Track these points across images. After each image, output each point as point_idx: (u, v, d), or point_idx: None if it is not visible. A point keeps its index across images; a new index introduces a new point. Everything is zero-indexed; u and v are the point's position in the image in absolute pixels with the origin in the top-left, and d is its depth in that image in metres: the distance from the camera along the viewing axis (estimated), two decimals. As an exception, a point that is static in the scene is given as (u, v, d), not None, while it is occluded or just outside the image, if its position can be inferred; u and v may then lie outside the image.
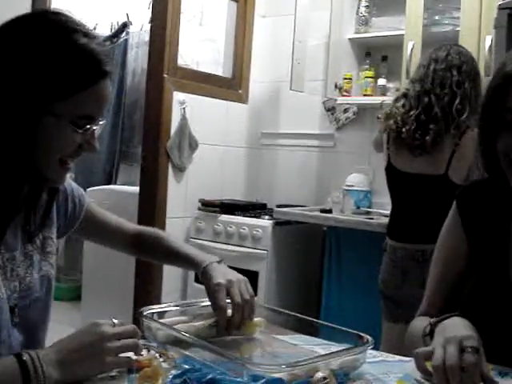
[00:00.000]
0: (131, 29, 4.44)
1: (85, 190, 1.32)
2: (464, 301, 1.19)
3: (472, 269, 1.21)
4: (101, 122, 1.02)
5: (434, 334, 1.05)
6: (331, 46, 3.32)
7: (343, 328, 1.13)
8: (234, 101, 3.71)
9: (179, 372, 0.91)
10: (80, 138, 0.99)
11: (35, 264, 1.09)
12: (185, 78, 3.38)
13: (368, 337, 1.05)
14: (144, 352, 1.00)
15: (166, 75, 3.24)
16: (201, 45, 3.68)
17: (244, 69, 3.77)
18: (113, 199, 3.46)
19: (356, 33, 3.35)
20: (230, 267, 1.25)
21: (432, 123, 2.21)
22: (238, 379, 0.89)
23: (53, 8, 1.12)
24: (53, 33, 0.96)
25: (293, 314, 1.24)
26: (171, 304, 1.26)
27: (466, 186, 1.32)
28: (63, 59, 0.94)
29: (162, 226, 3.23)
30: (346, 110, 3.52)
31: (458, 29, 2.79)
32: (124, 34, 4.44)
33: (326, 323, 1.22)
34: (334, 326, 1.17)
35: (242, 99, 3.78)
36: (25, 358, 0.85)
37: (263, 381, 0.87)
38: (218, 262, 1.23)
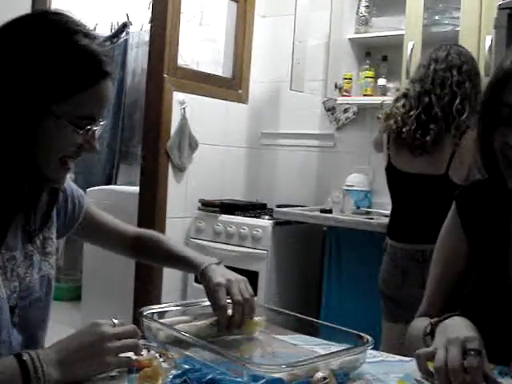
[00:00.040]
0: (131, 29, 4.44)
1: (85, 190, 1.32)
2: (464, 301, 1.19)
3: (472, 269, 1.21)
4: (101, 123, 1.02)
5: (434, 334, 1.05)
6: (331, 46, 3.32)
7: (343, 328, 1.13)
8: (234, 101, 3.71)
9: (179, 372, 0.91)
10: (80, 139, 0.99)
11: (35, 264, 1.09)
12: (185, 78, 3.38)
13: (368, 337, 1.05)
14: (144, 352, 1.00)
15: (165, 75, 3.24)
16: (201, 45, 3.67)
17: (244, 69, 3.77)
18: (113, 199, 3.47)
19: (356, 33, 3.35)
20: (230, 267, 1.25)
21: (432, 123, 2.21)
22: (238, 379, 0.89)
23: (53, 8, 1.12)
24: (53, 33, 0.96)
25: (293, 314, 1.24)
26: (171, 304, 1.27)
27: (466, 186, 1.32)
28: (64, 60, 0.95)
29: (162, 226, 3.23)
30: (346, 110, 3.52)
31: (457, 29, 2.79)
32: (124, 34, 4.44)
33: (326, 323, 1.22)
34: (333, 326, 1.17)
35: (242, 99, 3.77)
36: (25, 358, 0.85)
37: (263, 381, 0.87)
38: (217, 264, 1.24)
